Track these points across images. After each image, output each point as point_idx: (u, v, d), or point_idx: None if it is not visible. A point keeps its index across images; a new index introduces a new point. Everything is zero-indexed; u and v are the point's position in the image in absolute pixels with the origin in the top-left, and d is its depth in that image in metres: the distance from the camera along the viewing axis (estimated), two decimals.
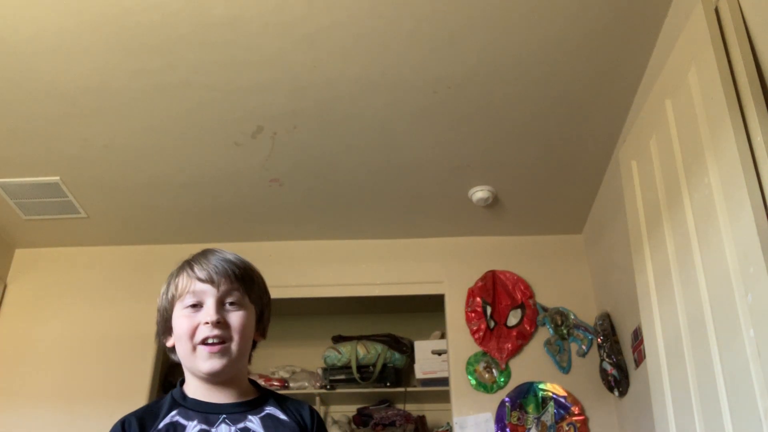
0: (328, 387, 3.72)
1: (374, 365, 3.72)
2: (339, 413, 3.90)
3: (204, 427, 1.18)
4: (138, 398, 3.19)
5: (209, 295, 1.22)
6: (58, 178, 2.99)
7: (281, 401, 1.29)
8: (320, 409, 3.86)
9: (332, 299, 3.51)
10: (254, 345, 1.31)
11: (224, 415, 1.20)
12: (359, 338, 3.83)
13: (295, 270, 3.46)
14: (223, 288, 1.23)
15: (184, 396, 1.24)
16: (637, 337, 2.65)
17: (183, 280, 1.26)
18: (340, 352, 3.76)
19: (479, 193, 3.10)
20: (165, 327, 1.28)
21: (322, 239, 3.52)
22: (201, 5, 2.15)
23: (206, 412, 1.21)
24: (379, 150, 2.84)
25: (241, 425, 1.20)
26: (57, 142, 2.76)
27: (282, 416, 1.25)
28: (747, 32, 1.72)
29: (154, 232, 3.45)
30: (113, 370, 3.25)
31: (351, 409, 3.90)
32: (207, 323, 1.20)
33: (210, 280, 1.23)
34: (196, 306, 1.22)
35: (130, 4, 2.14)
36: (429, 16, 2.19)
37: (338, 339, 3.91)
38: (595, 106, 2.60)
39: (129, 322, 3.36)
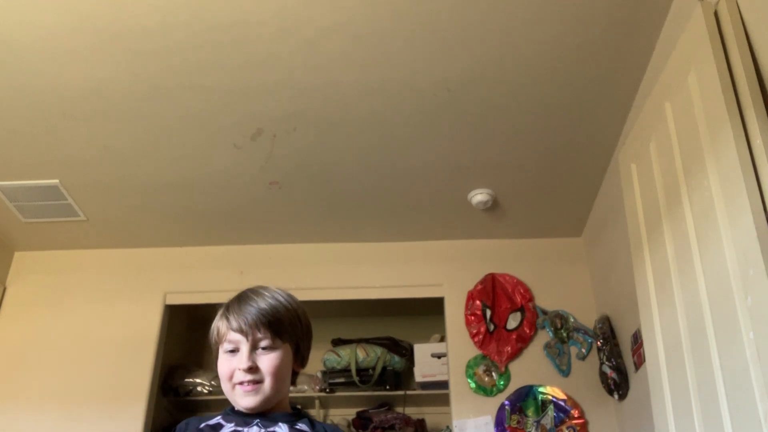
0: (328, 390, 3.72)
1: (374, 368, 3.71)
2: (338, 416, 3.89)
3: (238, 428, 1.36)
4: (137, 401, 3.19)
5: (243, 344, 1.37)
6: (57, 180, 2.99)
7: (315, 423, 1.42)
8: (319, 413, 3.85)
9: (332, 302, 3.50)
10: (296, 373, 1.46)
11: (258, 420, 1.37)
12: (359, 341, 3.83)
13: (294, 273, 3.46)
14: (252, 337, 1.37)
15: (232, 408, 1.42)
16: (637, 340, 2.65)
17: (222, 327, 1.41)
18: (339, 355, 3.76)
19: (479, 196, 3.10)
20: (215, 362, 1.44)
21: (322, 242, 3.52)
22: (201, 8, 2.15)
23: (244, 416, 1.38)
24: (378, 152, 2.84)
25: (270, 429, 1.35)
26: (56, 145, 2.76)
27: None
28: (746, 35, 1.73)
29: (154, 235, 3.45)
30: (112, 373, 3.25)
31: (350, 413, 3.89)
32: (241, 369, 1.36)
33: (241, 331, 1.37)
34: (234, 351, 1.38)
35: (130, 7, 2.14)
36: (429, 20, 2.20)
37: (338, 342, 3.90)
38: (594, 109, 2.60)
39: (128, 325, 3.36)
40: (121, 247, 3.55)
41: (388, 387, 3.70)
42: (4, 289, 3.46)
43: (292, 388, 3.97)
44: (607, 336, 2.95)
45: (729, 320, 1.62)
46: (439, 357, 3.57)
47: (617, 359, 2.88)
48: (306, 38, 2.27)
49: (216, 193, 3.11)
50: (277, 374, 1.37)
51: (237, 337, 1.37)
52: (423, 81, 2.45)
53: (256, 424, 1.35)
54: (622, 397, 2.89)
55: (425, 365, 3.59)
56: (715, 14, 1.80)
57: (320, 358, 3.80)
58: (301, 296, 3.91)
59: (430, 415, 3.83)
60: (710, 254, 1.74)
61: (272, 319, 1.39)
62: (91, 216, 3.27)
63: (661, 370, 2.05)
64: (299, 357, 1.45)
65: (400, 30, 2.24)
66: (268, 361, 1.37)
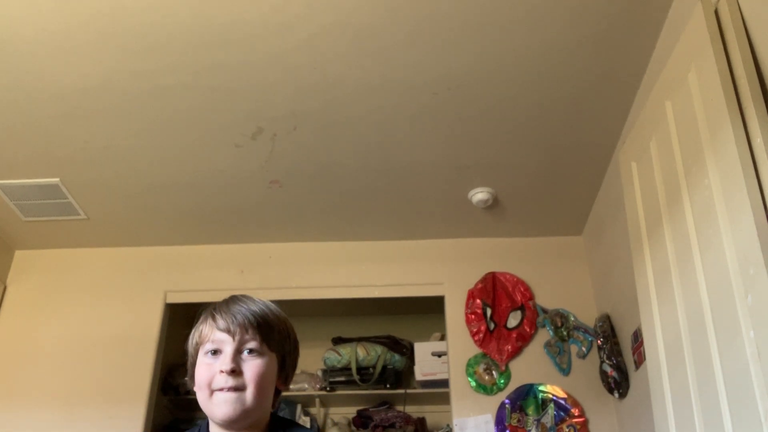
0: (328, 389, 3.72)
1: (374, 367, 3.72)
2: (339, 415, 3.90)
3: None
4: (137, 400, 3.19)
5: (227, 344, 1.27)
6: (58, 179, 2.99)
7: None
8: (320, 411, 3.86)
9: (332, 301, 3.51)
10: (278, 392, 1.34)
11: None
12: (359, 340, 3.83)
13: (295, 271, 3.46)
14: (239, 337, 1.27)
15: (207, 426, 1.31)
16: (637, 338, 2.65)
17: (206, 328, 1.31)
18: (339, 354, 3.76)
19: (479, 195, 3.10)
20: (191, 372, 1.33)
21: (322, 241, 3.52)
22: (201, 6, 2.15)
23: None
24: (379, 151, 2.84)
25: None
26: (57, 144, 2.76)
27: None
28: (747, 34, 1.73)
29: (154, 234, 3.45)
30: (113, 371, 3.25)
31: (351, 411, 3.89)
32: (222, 372, 1.25)
33: (227, 330, 1.27)
34: (216, 353, 1.28)
35: (130, 5, 2.14)
36: (429, 18, 2.19)
37: (338, 341, 3.91)
38: (595, 108, 2.60)
39: (129, 323, 3.36)
40: (121, 246, 3.55)
41: (388, 385, 3.70)
42: (5, 288, 3.46)
43: (292, 386, 3.97)
44: (607, 334, 2.95)
45: (729, 319, 1.62)
46: (439, 355, 3.57)
47: (617, 358, 2.88)
48: (306, 37, 2.27)
49: (216, 192, 3.11)
50: (261, 383, 1.26)
51: (222, 336, 1.27)
52: (423, 80, 2.45)
53: None
54: (623, 395, 2.89)
55: (426, 364, 3.59)
56: (716, 13, 1.80)
57: (321, 356, 3.81)
58: (302, 295, 3.92)
59: (430, 413, 3.84)
60: (710, 253, 1.74)
61: (262, 321, 1.29)
62: (91, 215, 3.27)
63: (661, 368, 2.05)
64: (283, 374, 1.34)
65: (400, 28, 2.24)
66: (253, 367, 1.26)
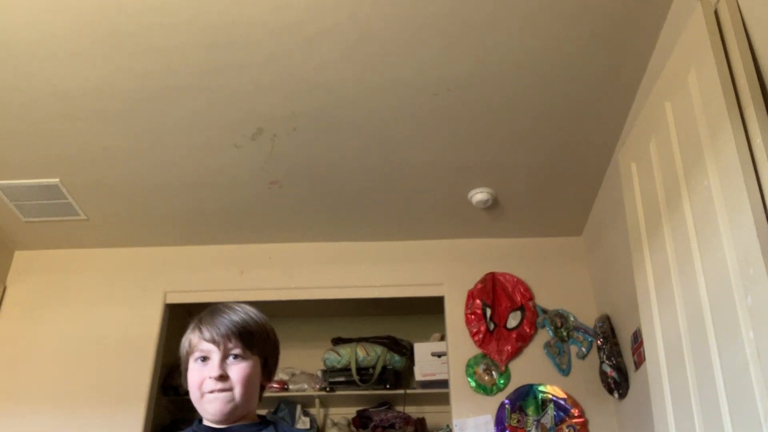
0: (328, 389, 3.72)
1: (374, 367, 3.71)
2: (338, 415, 3.89)
3: None
4: (137, 400, 3.19)
5: (214, 353, 1.43)
6: (57, 180, 2.99)
7: (279, 429, 1.48)
8: (320, 412, 3.86)
9: (332, 301, 3.51)
10: (263, 388, 1.51)
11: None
12: (359, 340, 3.83)
13: (294, 272, 3.46)
14: (223, 347, 1.43)
15: (200, 422, 1.48)
16: (637, 339, 2.65)
17: (194, 338, 1.46)
18: (339, 354, 3.76)
19: (479, 195, 3.10)
20: (185, 375, 1.49)
21: (322, 241, 3.52)
22: (201, 7, 2.15)
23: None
24: (379, 152, 2.84)
25: None
26: (57, 144, 2.76)
27: None
28: (746, 34, 1.73)
29: (154, 235, 3.45)
30: (112, 372, 3.25)
31: (350, 412, 3.89)
32: (211, 377, 1.41)
33: (213, 341, 1.43)
34: (205, 359, 1.44)
35: (130, 7, 2.14)
36: (429, 19, 2.20)
37: (338, 341, 3.90)
38: (594, 108, 2.60)
39: (128, 324, 3.36)
40: (121, 246, 3.55)
41: (388, 386, 3.70)
42: (4, 289, 3.46)
43: (291, 386, 3.97)
44: (607, 335, 2.95)
45: (729, 319, 1.63)
46: (439, 356, 3.57)
47: (617, 358, 2.88)
48: (306, 38, 2.27)
49: (216, 193, 3.11)
50: (247, 383, 1.42)
51: (209, 346, 1.42)
52: (423, 80, 2.45)
53: None
54: (622, 396, 2.89)
55: (425, 364, 3.59)
56: (715, 13, 1.80)
57: (320, 356, 3.81)
58: (302, 295, 3.92)
59: (430, 414, 3.83)
60: (710, 253, 1.74)
61: (243, 330, 1.44)
62: (91, 215, 3.27)
63: (661, 369, 2.05)
64: (266, 371, 1.50)
65: (400, 29, 2.24)
66: (238, 370, 1.42)
